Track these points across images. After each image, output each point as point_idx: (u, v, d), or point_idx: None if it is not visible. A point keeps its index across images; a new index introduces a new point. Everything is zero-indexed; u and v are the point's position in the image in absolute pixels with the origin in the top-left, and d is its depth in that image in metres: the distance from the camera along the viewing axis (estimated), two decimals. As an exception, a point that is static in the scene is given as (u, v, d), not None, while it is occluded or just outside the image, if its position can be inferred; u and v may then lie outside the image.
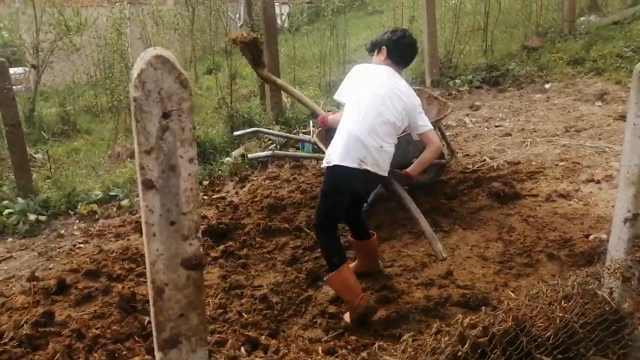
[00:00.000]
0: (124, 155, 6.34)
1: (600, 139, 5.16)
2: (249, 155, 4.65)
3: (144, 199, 1.26)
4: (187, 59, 9.76)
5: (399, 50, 3.11)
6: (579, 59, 7.66)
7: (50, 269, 3.75)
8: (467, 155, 5.18)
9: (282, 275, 3.44)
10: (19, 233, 4.38)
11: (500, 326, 1.66)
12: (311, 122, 6.16)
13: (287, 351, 2.60)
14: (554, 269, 3.24)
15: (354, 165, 2.82)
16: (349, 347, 2.65)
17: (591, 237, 3.47)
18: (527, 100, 6.74)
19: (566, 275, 2.09)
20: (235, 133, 4.92)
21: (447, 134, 4.97)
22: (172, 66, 1.21)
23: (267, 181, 5.09)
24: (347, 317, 2.92)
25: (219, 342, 2.68)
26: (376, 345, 1.74)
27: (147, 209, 1.27)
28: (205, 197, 4.86)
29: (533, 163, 4.81)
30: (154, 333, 1.37)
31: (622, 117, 5.41)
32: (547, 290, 1.86)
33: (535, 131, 5.62)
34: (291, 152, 5.60)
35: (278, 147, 5.75)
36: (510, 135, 5.61)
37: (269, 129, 5.81)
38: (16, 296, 3.28)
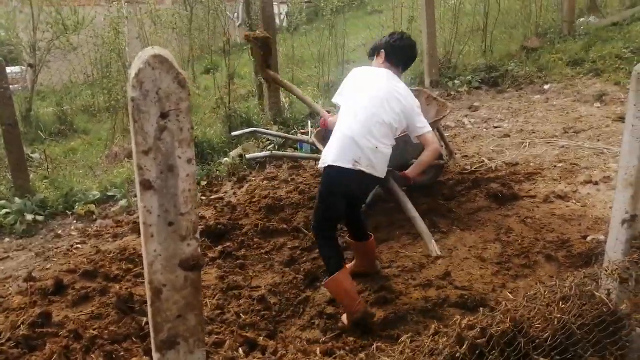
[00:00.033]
0: (121, 155, 6.33)
1: (598, 140, 5.17)
2: (247, 156, 4.64)
3: (141, 199, 1.26)
4: (184, 58, 9.75)
5: (397, 52, 3.12)
6: (578, 59, 7.68)
7: (47, 269, 3.74)
8: (466, 156, 5.18)
9: (279, 276, 3.44)
10: (16, 233, 4.37)
11: (498, 327, 1.66)
12: (309, 122, 6.16)
13: (284, 352, 2.59)
14: (551, 270, 3.24)
15: (348, 165, 2.81)
16: (347, 348, 2.64)
17: (589, 239, 3.47)
18: (526, 101, 6.75)
19: (564, 276, 2.09)
20: (233, 133, 4.92)
21: (445, 134, 4.97)
22: (170, 66, 1.20)
23: (265, 181, 5.09)
24: (344, 318, 2.91)
25: (217, 342, 2.68)
26: (374, 346, 1.74)
27: (145, 210, 1.26)
28: (203, 198, 4.85)
29: (531, 164, 4.82)
30: (152, 334, 1.36)
31: (621, 119, 5.42)
32: (544, 292, 1.85)
33: (533, 132, 5.62)
34: (289, 152, 5.60)
35: (276, 147, 5.75)
36: (509, 136, 5.61)
37: (267, 129, 5.80)
38: (13, 296, 3.27)
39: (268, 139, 5.85)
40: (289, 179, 5.03)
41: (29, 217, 4.49)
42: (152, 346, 1.38)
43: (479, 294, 3.01)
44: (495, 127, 5.98)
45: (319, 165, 2.99)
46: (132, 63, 1.24)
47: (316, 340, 2.81)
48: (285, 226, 4.03)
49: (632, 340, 1.93)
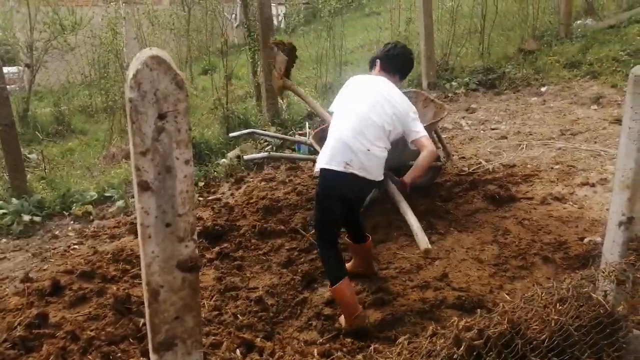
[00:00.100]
0: (119, 156, 6.33)
1: (595, 142, 5.18)
2: (245, 157, 4.64)
3: (139, 200, 1.26)
4: (182, 59, 9.76)
5: (392, 61, 3.20)
6: (575, 62, 7.70)
7: (44, 270, 3.73)
8: (463, 157, 5.19)
9: (277, 277, 3.44)
10: (13, 234, 4.36)
11: (496, 329, 1.66)
12: (307, 123, 6.16)
13: (282, 353, 2.59)
14: (548, 272, 3.25)
15: (340, 168, 2.81)
16: (345, 349, 2.64)
17: (586, 240, 3.48)
18: (523, 103, 6.76)
19: (561, 278, 2.10)
20: (231, 134, 4.91)
21: (443, 136, 4.98)
22: (168, 67, 1.20)
23: (262, 183, 5.08)
24: (342, 320, 2.91)
25: (214, 344, 2.68)
26: (372, 347, 1.74)
27: (143, 211, 1.26)
28: (201, 199, 4.84)
29: (528, 166, 4.83)
30: (149, 335, 1.36)
31: (618, 121, 5.44)
32: (542, 293, 1.86)
33: (531, 134, 5.64)
34: (287, 153, 5.60)
35: (274, 148, 5.74)
36: (506, 138, 5.62)
37: (265, 130, 5.80)
38: (10, 297, 3.26)
39: (266, 140, 5.85)
40: (287, 180, 5.03)
41: (26, 217, 4.47)
42: (150, 348, 1.38)
43: (477, 295, 3.02)
44: (493, 129, 6.00)
45: (315, 170, 3.00)
46: (129, 64, 1.24)
47: (314, 341, 2.81)
48: (282, 227, 4.03)
49: (629, 341, 1.94)
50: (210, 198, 4.86)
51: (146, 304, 1.34)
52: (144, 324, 2.64)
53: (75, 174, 5.79)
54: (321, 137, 4.04)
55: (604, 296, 1.94)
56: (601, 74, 7.18)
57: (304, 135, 5.76)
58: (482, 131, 5.97)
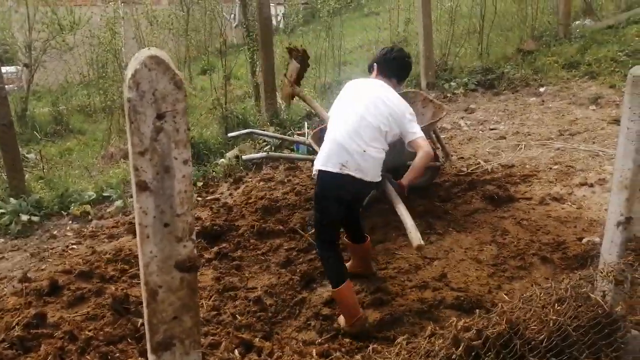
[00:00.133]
0: (117, 156, 6.32)
1: (594, 142, 5.19)
2: (244, 157, 4.64)
3: (138, 200, 1.26)
4: (181, 59, 9.76)
5: (388, 64, 3.21)
6: (574, 62, 7.71)
7: (42, 270, 3.72)
8: (462, 158, 5.19)
9: (276, 277, 3.44)
10: (11, 233, 4.35)
11: (494, 329, 1.66)
12: (306, 123, 6.16)
13: (281, 353, 2.59)
14: (547, 272, 3.25)
15: (336, 170, 2.82)
16: (343, 349, 2.65)
17: (584, 241, 3.48)
18: (522, 104, 6.77)
19: (559, 278, 2.10)
20: (230, 134, 4.91)
21: (442, 136, 4.98)
22: (167, 67, 1.20)
23: (261, 183, 5.08)
24: (341, 320, 2.91)
25: (213, 344, 2.68)
26: (370, 347, 1.73)
27: (141, 211, 1.26)
28: (199, 199, 4.84)
29: (527, 166, 4.83)
30: (147, 335, 1.36)
31: (616, 121, 5.45)
32: (540, 293, 1.86)
33: (529, 134, 5.64)
34: (286, 153, 5.59)
35: (272, 148, 5.74)
36: (505, 138, 5.63)
37: (264, 130, 5.80)
38: (8, 297, 3.25)
39: (264, 140, 5.84)
40: (286, 180, 5.03)
41: (24, 217, 4.47)
42: (148, 348, 1.38)
43: (475, 295, 3.02)
44: (492, 129, 6.00)
45: (313, 171, 3.01)
46: (128, 64, 1.24)
47: (312, 341, 2.81)
48: (281, 227, 4.03)
49: (627, 342, 1.94)
50: (208, 198, 4.86)
51: (144, 304, 1.33)
52: (142, 324, 2.64)
53: (74, 173, 5.79)
54: (320, 137, 4.04)
55: (603, 296, 1.94)
56: (600, 75, 7.19)
57: (303, 135, 5.76)
58: (480, 131, 5.98)
